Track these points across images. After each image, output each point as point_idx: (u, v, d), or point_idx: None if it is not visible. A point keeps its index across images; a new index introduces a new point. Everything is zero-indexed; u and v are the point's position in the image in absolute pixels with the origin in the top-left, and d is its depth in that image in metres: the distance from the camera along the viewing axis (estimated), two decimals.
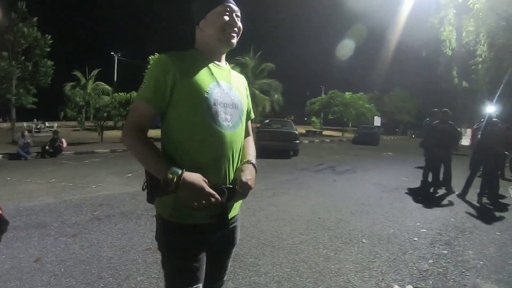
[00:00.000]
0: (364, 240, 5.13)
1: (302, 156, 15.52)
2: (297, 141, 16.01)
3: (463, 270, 4.26)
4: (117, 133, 18.89)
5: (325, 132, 40.73)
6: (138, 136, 1.51)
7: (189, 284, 1.60)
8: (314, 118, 46.35)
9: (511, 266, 4.53)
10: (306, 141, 24.55)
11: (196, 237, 1.62)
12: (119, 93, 23.07)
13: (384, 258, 4.53)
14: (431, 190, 8.95)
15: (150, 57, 24.48)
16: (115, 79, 43.50)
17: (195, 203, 1.42)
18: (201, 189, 1.43)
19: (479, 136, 8.36)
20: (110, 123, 23.75)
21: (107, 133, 21.55)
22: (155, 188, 1.48)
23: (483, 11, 20.89)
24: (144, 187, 1.55)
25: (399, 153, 20.97)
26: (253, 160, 1.80)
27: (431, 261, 4.54)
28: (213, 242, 1.71)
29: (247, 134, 1.91)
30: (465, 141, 10.15)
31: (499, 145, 8.32)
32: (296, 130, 16.87)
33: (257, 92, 32.27)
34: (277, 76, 29.11)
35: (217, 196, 1.47)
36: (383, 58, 52.04)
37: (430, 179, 9.14)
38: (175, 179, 1.39)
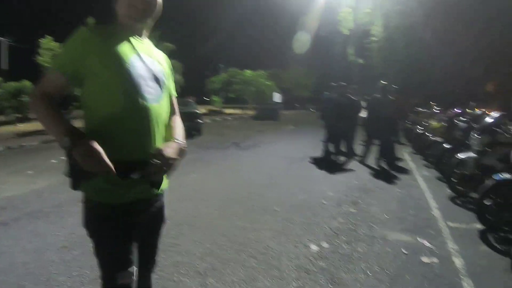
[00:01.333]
0: (277, 208, 5.13)
1: (206, 135, 15.27)
2: (200, 121, 15.78)
3: (371, 224, 4.50)
4: (12, 129, 16.69)
5: (227, 111, 40.49)
6: (45, 102, 1.45)
7: (124, 267, 1.56)
8: (215, 97, 45.80)
9: (412, 216, 4.91)
10: (209, 120, 24.30)
11: (126, 217, 1.57)
12: (10, 83, 20.48)
13: (298, 222, 4.59)
14: (334, 158, 9.35)
15: (41, 40, 22.10)
16: (5, 67, 38.31)
17: (89, 169, 1.32)
18: (95, 154, 1.32)
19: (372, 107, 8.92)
20: (1, 117, 20.88)
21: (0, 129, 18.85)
22: (80, 173, 1.35)
23: None
24: (68, 173, 1.39)
25: (301, 126, 21.69)
26: (181, 140, 1.71)
27: (341, 219, 4.70)
28: (143, 222, 1.68)
29: (173, 112, 1.82)
30: (363, 112, 10.87)
31: (392, 114, 8.93)
32: (198, 109, 16.61)
33: None
34: (177, 56, 28.13)
35: (110, 166, 1.33)
36: (282, 36, 53.44)
37: (332, 149, 9.53)
38: (69, 142, 1.31)
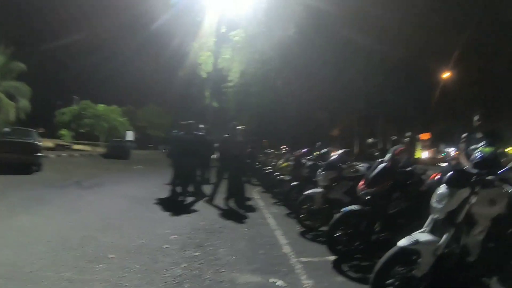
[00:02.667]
0: (112, 255, 4.10)
1: (47, 171, 12.98)
2: (39, 154, 13.35)
3: (218, 268, 3.83)
4: None
5: (75, 146, 36.35)
6: None
7: None
8: (63, 131, 40.99)
9: (262, 255, 4.45)
10: (53, 155, 21.36)
11: None
12: None
13: (135, 270, 3.70)
14: (181, 198, 8.62)
15: None
16: None
17: None
18: None
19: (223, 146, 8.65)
20: None
21: None
22: None
23: (240, 43, 23.97)
24: None
25: (150, 166, 20.56)
26: None
27: (184, 265, 3.93)
28: None
29: None
30: (215, 153, 10.59)
31: (241, 154, 8.74)
32: (40, 141, 14.15)
33: (1, 95, 25.98)
34: (27, 79, 24.23)
35: None
36: (142, 72, 51.88)
37: (179, 189, 8.81)
38: None
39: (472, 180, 3.12)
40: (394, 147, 4.82)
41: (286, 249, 4.78)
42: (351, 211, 4.40)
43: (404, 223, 4.60)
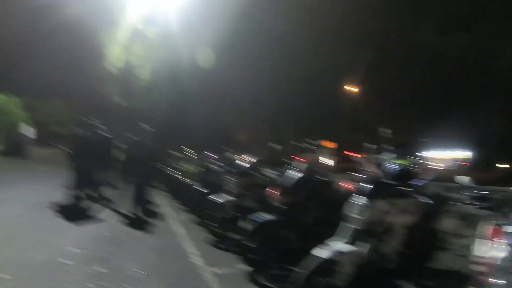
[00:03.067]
0: (5, 276, 3.60)
1: None
2: None
3: (126, 286, 3.54)
4: None
5: None
6: None
7: None
8: None
9: (173, 269, 4.26)
10: None
11: None
12: None
13: None
14: (83, 205, 7.95)
15: None
16: None
17: None
18: None
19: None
20: None
21: None
22: None
23: (156, 42, 23.54)
24: None
25: (51, 165, 18.37)
26: None
27: (88, 284, 3.57)
28: None
29: None
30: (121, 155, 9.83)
31: (149, 158, 8.35)
32: None
33: None
34: None
35: None
36: (45, 63, 47.17)
37: (81, 194, 8.11)
38: None
39: (392, 192, 3.31)
40: (311, 156, 4.93)
41: (198, 260, 4.65)
42: (265, 221, 4.38)
43: (319, 232, 4.80)
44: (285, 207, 4.44)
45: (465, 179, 2.85)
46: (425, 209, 3.64)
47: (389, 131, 5.08)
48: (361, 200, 3.25)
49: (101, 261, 4.34)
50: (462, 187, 2.93)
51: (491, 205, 2.47)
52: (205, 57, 21.47)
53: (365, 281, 3.30)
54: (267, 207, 5.15)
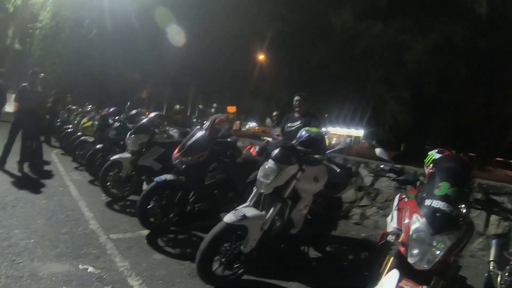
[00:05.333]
0: None
1: None
2: None
3: (14, 257, 3.28)
4: None
5: None
6: None
7: None
8: None
9: (66, 235, 4.02)
10: None
11: None
12: None
13: None
14: None
15: None
16: None
17: None
18: None
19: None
20: None
21: None
22: None
23: None
24: None
25: None
26: None
27: None
28: None
29: None
30: (10, 106, 8.61)
31: (40, 108, 7.59)
32: None
33: None
34: None
35: None
36: None
37: None
38: None
39: (300, 158, 3.36)
40: (215, 116, 4.81)
41: (93, 224, 4.47)
42: (165, 181, 4.21)
43: (220, 195, 4.89)
44: (187, 168, 4.33)
45: (382, 152, 2.98)
46: (331, 178, 3.84)
47: (299, 99, 5.22)
48: (272, 165, 3.26)
49: None
50: (381, 159, 3.06)
51: (405, 178, 2.60)
52: (111, 4, 19.82)
53: (270, 245, 3.44)
54: (167, 166, 5.08)
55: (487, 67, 19.89)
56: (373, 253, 4.50)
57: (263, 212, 3.26)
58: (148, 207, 4.24)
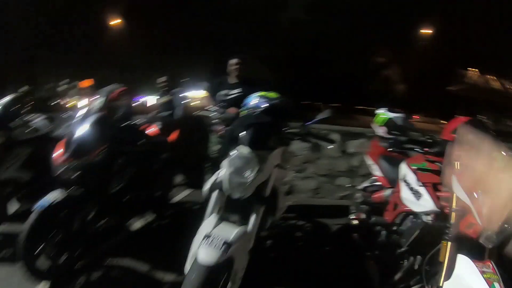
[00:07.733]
0: None
1: None
2: None
3: None
4: None
5: None
6: None
7: None
8: None
9: None
10: None
11: None
12: None
13: None
14: None
15: None
16: None
17: None
18: None
19: None
20: None
21: None
22: None
23: None
24: None
25: None
26: None
27: None
28: None
29: None
30: None
31: None
32: None
33: None
34: None
35: None
36: None
37: None
38: None
39: (283, 136, 2.47)
40: (109, 88, 3.27)
41: None
42: (51, 206, 2.67)
43: (133, 199, 3.44)
44: (81, 175, 2.85)
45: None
46: None
47: (237, 63, 4.24)
48: (243, 154, 2.21)
49: None
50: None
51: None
52: None
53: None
54: (42, 170, 3.37)
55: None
56: None
57: (242, 226, 2.12)
58: (36, 252, 2.69)
